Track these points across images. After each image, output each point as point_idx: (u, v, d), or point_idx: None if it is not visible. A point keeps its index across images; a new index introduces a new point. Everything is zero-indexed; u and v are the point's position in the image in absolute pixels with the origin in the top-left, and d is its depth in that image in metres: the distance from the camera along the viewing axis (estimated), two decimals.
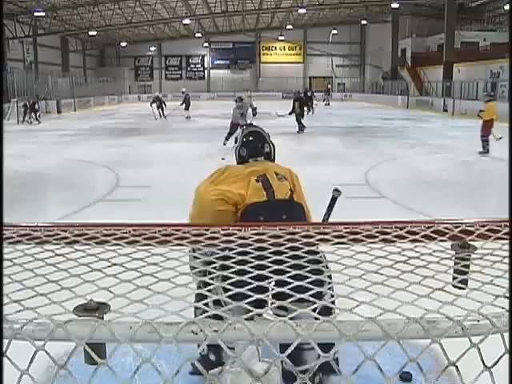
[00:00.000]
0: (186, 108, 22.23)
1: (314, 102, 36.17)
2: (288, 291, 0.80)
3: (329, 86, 39.56)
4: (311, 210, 2.62)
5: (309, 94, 24.87)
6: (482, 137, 11.67)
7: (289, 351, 0.65)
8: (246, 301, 0.77)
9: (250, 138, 2.73)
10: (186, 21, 36.76)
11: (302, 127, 16.15)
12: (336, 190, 2.78)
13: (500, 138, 11.80)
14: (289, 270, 0.90)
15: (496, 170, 8.96)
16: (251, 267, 0.92)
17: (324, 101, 36.00)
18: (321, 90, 38.56)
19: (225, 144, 12.18)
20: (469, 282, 0.89)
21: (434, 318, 0.67)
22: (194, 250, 1.11)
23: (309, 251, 1.02)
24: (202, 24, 42.64)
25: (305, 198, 2.63)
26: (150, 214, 3.49)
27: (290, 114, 16.38)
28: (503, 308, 0.70)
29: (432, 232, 1.12)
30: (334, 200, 2.76)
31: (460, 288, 0.85)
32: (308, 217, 2.56)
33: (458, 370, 0.66)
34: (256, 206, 2.35)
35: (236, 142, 2.85)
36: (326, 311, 0.75)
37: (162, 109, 22.37)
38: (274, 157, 2.74)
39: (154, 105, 22.45)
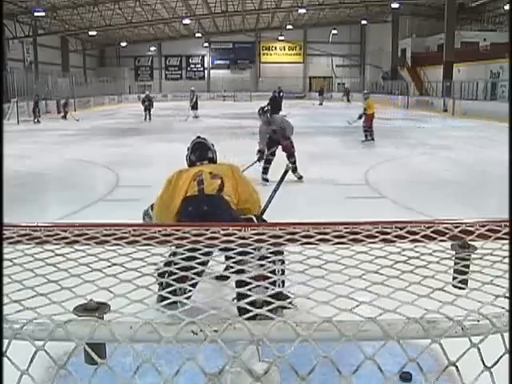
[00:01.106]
0: (195, 107, 22.16)
1: (312, 101, 36.78)
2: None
3: (323, 87, 40.20)
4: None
5: (281, 94, 24.98)
6: (365, 127, 13.79)
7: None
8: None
9: (197, 147, 3.62)
10: (186, 21, 36.75)
11: None
12: (287, 165, 3.51)
13: (353, 122, 13.99)
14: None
15: (496, 170, 8.96)
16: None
17: (344, 100, 36.83)
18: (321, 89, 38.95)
19: (267, 180, 7.60)
20: (469, 282, 0.89)
21: (434, 318, 0.67)
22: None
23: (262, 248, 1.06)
24: (202, 24, 42.64)
25: (247, 181, 3.41)
26: None
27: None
28: (503, 308, 0.70)
29: (432, 232, 1.12)
30: (285, 173, 3.42)
31: (460, 288, 0.85)
32: (243, 200, 3.28)
33: (458, 370, 0.66)
34: (189, 199, 3.12)
35: (188, 150, 3.66)
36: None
37: (150, 110, 21.88)
38: (216, 159, 3.62)
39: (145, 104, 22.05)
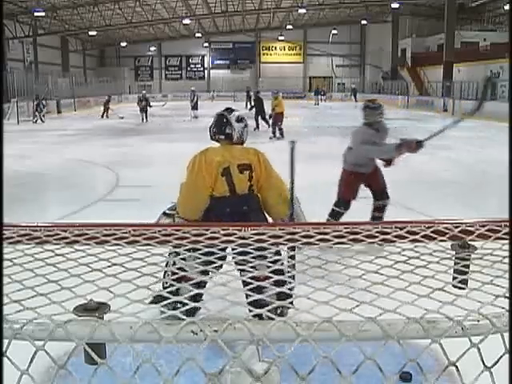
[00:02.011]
0: (195, 108, 22.16)
1: (308, 102, 37.31)
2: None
3: (322, 88, 40.53)
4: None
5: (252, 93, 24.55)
6: (273, 124, 14.79)
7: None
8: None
9: (217, 119, 3.35)
10: (186, 21, 36.74)
11: (257, 126, 16.81)
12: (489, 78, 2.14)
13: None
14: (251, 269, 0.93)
15: (496, 170, 8.96)
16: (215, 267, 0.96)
17: (352, 99, 38.11)
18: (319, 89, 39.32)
19: None
20: (469, 282, 0.89)
21: (434, 318, 0.67)
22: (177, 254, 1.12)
23: (275, 251, 1.06)
24: (202, 24, 42.63)
25: (274, 171, 3.20)
26: (150, 214, 3.48)
27: (250, 109, 17.32)
28: (503, 308, 0.70)
29: (432, 232, 1.12)
30: (485, 89, 2.28)
31: (460, 288, 0.85)
32: (276, 194, 3.16)
33: (458, 370, 0.66)
34: (222, 200, 3.05)
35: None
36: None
37: (146, 111, 21.10)
38: (240, 139, 3.29)
39: (142, 105, 21.24)
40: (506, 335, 0.65)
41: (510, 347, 0.64)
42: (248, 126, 3.42)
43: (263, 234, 1.13)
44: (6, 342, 0.65)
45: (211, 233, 1.14)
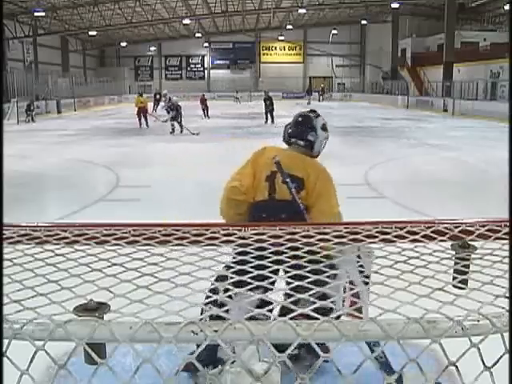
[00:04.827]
0: (169, 110, 21.47)
1: (296, 101, 38.16)
2: (290, 291, 0.81)
3: (321, 87, 41.05)
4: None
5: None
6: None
7: (289, 351, 0.65)
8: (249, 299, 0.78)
9: (300, 120, 2.77)
10: (186, 21, 36.76)
11: (267, 120, 19.82)
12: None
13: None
14: (290, 270, 0.90)
15: (496, 170, 8.96)
16: (252, 267, 0.92)
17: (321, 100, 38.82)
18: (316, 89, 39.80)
19: None
20: (469, 282, 0.89)
21: (434, 318, 0.67)
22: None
23: (309, 251, 1.02)
24: (202, 24, 42.63)
25: (330, 200, 2.65)
26: (150, 214, 3.49)
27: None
28: (503, 308, 0.70)
29: (432, 232, 1.12)
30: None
31: (460, 288, 0.85)
32: (319, 215, 2.52)
33: (458, 369, 0.66)
34: (260, 204, 2.54)
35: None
36: (327, 311, 0.75)
37: (181, 120, 16.98)
38: (317, 152, 2.75)
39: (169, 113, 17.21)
40: (506, 335, 0.65)
41: (510, 347, 0.64)
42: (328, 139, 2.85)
43: (263, 233, 1.13)
44: (6, 341, 0.65)
45: (211, 233, 1.14)
